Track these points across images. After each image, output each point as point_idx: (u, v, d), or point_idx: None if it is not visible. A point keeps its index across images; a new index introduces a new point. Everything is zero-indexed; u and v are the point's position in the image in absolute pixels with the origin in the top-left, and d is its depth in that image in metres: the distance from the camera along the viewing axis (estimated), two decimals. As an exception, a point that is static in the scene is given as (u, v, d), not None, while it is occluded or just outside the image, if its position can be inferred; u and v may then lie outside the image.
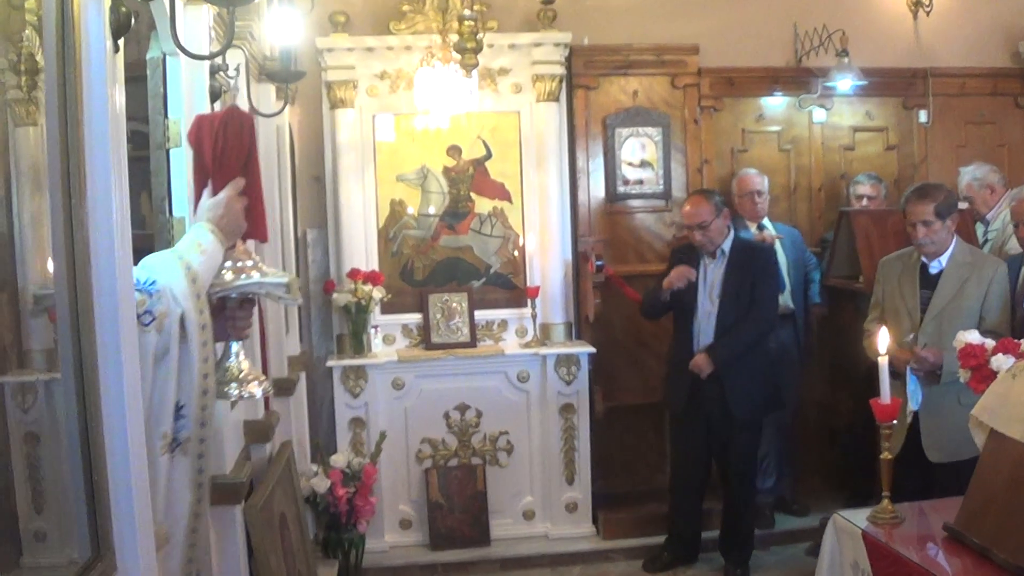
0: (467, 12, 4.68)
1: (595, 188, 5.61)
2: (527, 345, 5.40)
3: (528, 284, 5.45)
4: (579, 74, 5.57)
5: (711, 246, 4.75)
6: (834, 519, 3.13)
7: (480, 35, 4.60)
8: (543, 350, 5.32)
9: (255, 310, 2.58)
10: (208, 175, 2.24)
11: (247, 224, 2.24)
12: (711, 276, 4.77)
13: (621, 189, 5.59)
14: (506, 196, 5.53)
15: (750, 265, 4.76)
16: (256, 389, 2.28)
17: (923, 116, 5.99)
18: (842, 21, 5.76)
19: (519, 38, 5.40)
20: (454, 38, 4.67)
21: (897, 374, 3.86)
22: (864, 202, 5.52)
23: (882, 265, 4.48)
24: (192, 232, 2.17)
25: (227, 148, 2.22)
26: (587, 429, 5.36)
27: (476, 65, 4.70)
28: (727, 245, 4.78)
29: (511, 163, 5.52)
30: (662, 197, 5.62)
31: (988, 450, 2.86)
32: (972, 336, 3.34)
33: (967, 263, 4.11)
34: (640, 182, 5.59)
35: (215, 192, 2.22)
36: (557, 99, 5.45)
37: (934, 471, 4.01)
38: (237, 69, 3.52)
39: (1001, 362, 3.15)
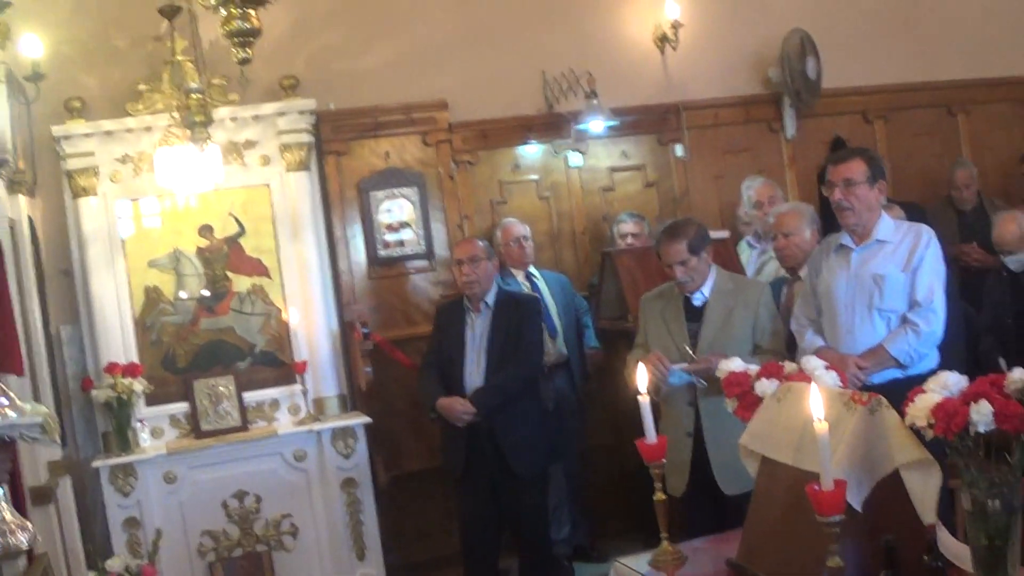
0: (193, 85, 5.65)
1: (356, 254, 6.77)
2: (301, 422, 6.39)
3: (295, 359, 6.47)
4: (328, 140, 6.72)
5: (479, 288, 5.57)
6: (615, 567, 3.54)
7: (212, 108, 5.61)
8: (316, 426, 6.31)
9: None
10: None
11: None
12: (478, 330, 5.60)
13: (383, 253, 6.79)
14: (264, 271, 6.56)
15: (515, 316, 5.61)
16: (22, 537, 2.61)
17: (679, 150, 7.46)
18: (589, 63, 7.09)
19: (262, 109, 6.41)
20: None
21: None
22: (629, 240, 6.82)
23: (643, 303, 5.19)
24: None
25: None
26: (372, 502, 6.37)
27: (207, 139, 5.73)
28: (491, 298, 5.63)
29: (266, 237, 6.54)
30: (425, 257, 6.83)
31: (761, 478, 3.28)
32: (735, 364, 3.73)
33: (729, 291, 4.88)
34: (401, 244, 6.81)
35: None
36: (308, 168, 6.51)
37: (727, 503, 4.66)
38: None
39: (765, 387, 3.48)
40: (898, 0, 8.33)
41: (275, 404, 6.55)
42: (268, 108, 6.45)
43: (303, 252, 6.54)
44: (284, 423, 6.50)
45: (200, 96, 5.66)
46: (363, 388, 6.44)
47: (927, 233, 4.61)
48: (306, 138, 6.53)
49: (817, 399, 2.65)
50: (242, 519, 6.31)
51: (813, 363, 3.54)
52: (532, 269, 6.76)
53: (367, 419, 6.40)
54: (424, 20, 7.05)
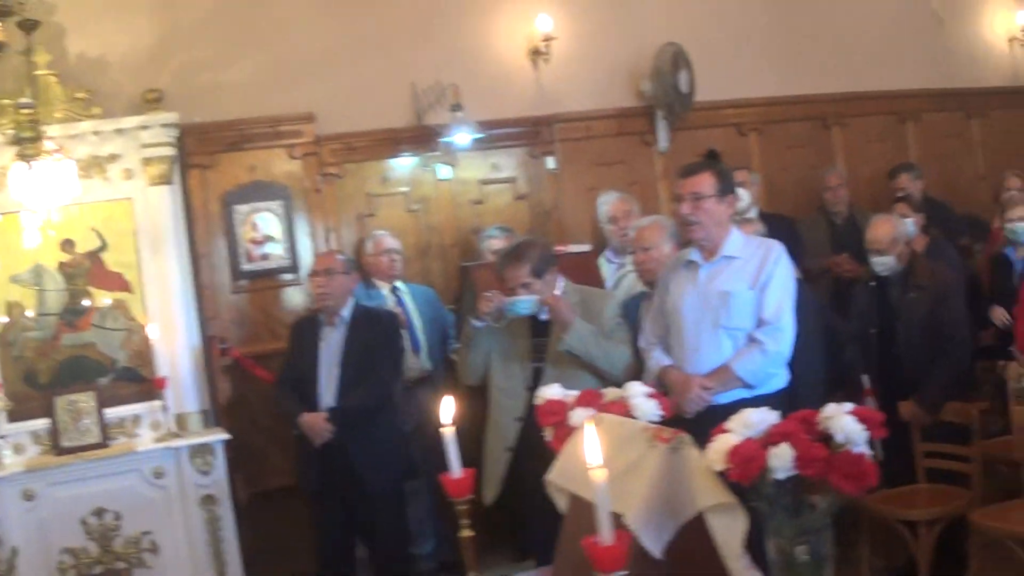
0: (24, 100, 5.92)
1: (220, 269, 7.26)
2: (161, 439, 6.80)
3: (157, 375, 6.88)
4: (193, 153, 7.19)
5: (332, 301, 5.98)
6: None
7: (40, 123, 5.79)
8: (175, 442, 6.73)
9: None
10: None
11: None
12: (332, 345, 5.99)
13: (246, 267, 7.30)
14: (125, 287, 6.95)
15: (371, 332, 6.00)
16: None
17: (551, 163, 8.12)
18: (461, 76, 7.67)
19: (123, 122, 6.81)
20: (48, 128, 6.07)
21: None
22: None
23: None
24: None
25: None
26: (231, 519, 6.81)
27: (37, 155, 5.97)
28: (347, 313, 6.03)
29: (127, 252, 6.93)
30: (290, 271, 7.38)
31: (569, 515, 3.37)
32: (553, 391, 3.81)
33: (576, 303, 5.25)
34: (266, 257, 7.36)
35: None
36: (170, 182, 6.93)
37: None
38: None
39: (580, 416, 3.48)
40: (772, 16, 9.14)
41: (137, 420, 6.93)
42: (129, 122, 6.84)
43: (164, 267, 6.94)
44: (146, 439, 6.88)
45: (30, 111, 5.94)
46: (221, 404, 6.93)
47: (776, 249, 4.73)
48: (168, 151, 6.93)
49: (593, 443, 2.44)
50: (102, 536, 6.70)
51: (634, 389, 3.66)
52: (398, 283, 7.28)
53: (225, 435, 6.83)
54: (293, 33, 7.57)
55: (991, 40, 10.36)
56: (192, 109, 7.16)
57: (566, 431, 3.61)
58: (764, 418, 2.80)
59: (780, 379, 4.73)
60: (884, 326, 6.12)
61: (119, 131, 6.86)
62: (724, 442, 2.76)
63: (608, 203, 7.22)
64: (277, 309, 7.40)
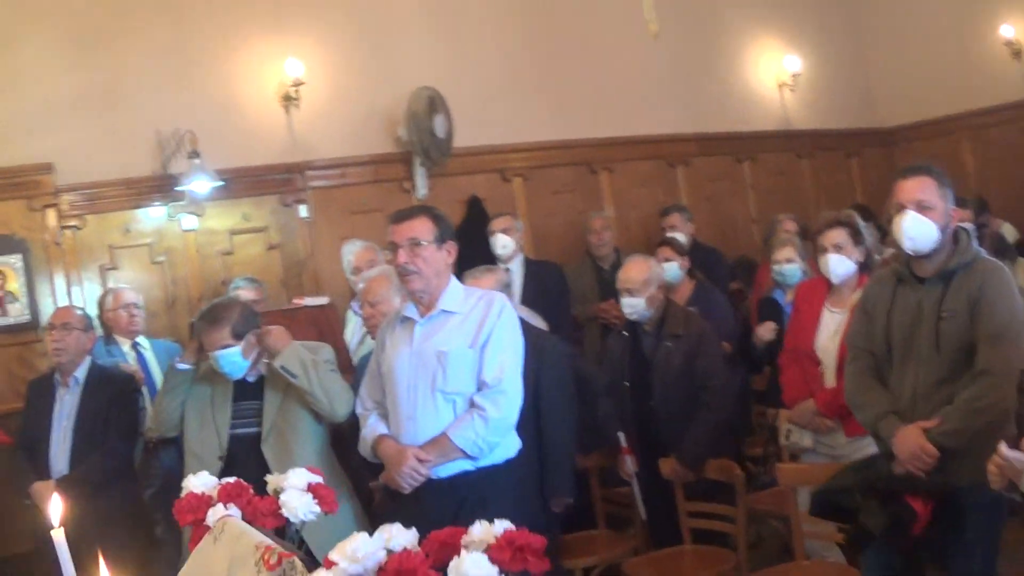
0: None
1: (-41, 325, 7.58)
2: None
3: None
4: (-78, 208, 7.51)
5: (66, 358, 6.02)
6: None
7: None
8: None
9: None
10: None
11: None
12: (66, 407, 5.99)
13: (-15, 323, 7.67)
14: None
15: (106, 394, 6.01)
16: None
17: (303, 211, 8.58)
18: (208, 123, 8.04)
19: None
20: None
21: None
22: None
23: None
24: None
25: None
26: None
27: None
28: (81, 373, 6.04)
29: None
30: (31, 328, 7.62)
31: None
32: (198, 481, 3.57)
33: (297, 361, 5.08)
34: (6, 313, 7.66)
35: None
36: None
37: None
38: None
39: (216, 516, 3.29)
40: (536, 61, 9.78)
41: None
42: None
43: (-103, 325, 7.19)
44: None
45: None
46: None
47: (499, 302, 4.57)
48: None
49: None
50: None
51: (293, 479, 3.48)
52: (140, 339, 7.46)
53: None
54: (32, 81, 7.83)
55: (760, 86, 11.25)
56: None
57: (203, 532, 3.30)
58: (373, 552, 2.52)
59: (508, 447, 4.57)
60: (637, 378, 6.07)
61: None
62: (329, 576, 2.43)
63: (352, 252, 7.35)
64: (20, 368, 7.57)
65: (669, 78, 10.35)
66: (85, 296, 7.84)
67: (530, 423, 5.26)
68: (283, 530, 3.51)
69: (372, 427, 4.69)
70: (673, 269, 7.32)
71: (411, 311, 4.64)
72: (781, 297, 7.04)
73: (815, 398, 5.65)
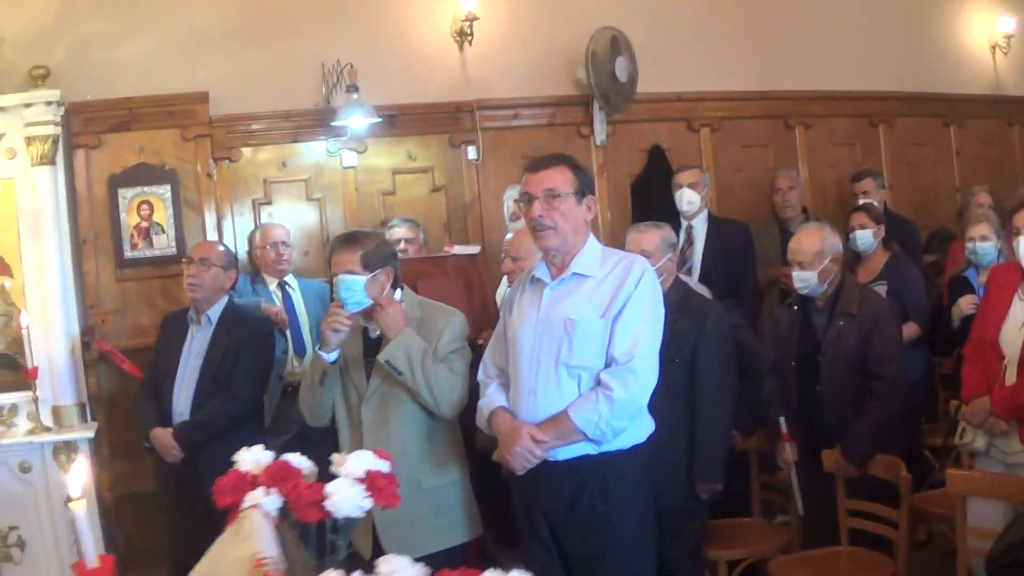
0: None
1: (103, 255, 7.24)
2: (31, 432, 6.82)
3: (31, 364, 6.84)
4: (79, 133, 7.20)
5: (201, 294, 5.84)
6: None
7: None
8: (40, 437, 6.75)
9: None
10: None
11: None
12: (195, 347, 5.85)
13: (130, 254, 7.26)
14: (6, 271, 6.98)
15: (237, 337, 5.80)
16: None
17: (472, 152, 8.06)
18: (375, 57, 7.65)
19: (7, 99, 6.84)
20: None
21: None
22: (402, 247, 7.17)
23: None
24: None
25: None
26: (96, 520, 6.75)
27: None
28: (216, 312, 5.89)
29: (9, 234, 6.94)
30: (177, 260, 7.26)
31: None
32: (251, 455, 3.35)
33: (414, 319, 4.66)
34: (151, 244, 7.36)
35: None
36: (53, 162, 6.94)
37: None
38: None
39: (258, 500, 3.06)
40: (732, 3, 9.07)
41: (14, 410, 6.94)
42: (13, 99, 6.86)
43: (43, 251, 6.95)
44: (21, 430, 6.91)
45: None
46: (83, 399, 6.93)
47: (639, 267, 4.07)
48: (51, 130, 6.93)
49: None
50: (-31, 527, 6.67)
51: (351, 464, 3.20)
52: (288, 278, 7.17)
53: (89, 434, 6.82)
54: (193, 7, 7.57)
55: (971, 45, 10.29)
56: (85, 87, 7.18)
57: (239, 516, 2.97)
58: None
59: (637, 432, 4.09)
60: (805, 358, 5.57)
61: (3, 109, 6.89)
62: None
63: (514, 199, 6.65)
64: (163, 300, 7.32)
65: (875, 30, 9.52)
66: (236, 231, 7.57)
67: (683, 400, 5.08)
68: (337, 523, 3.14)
69: (490, 397, 4.28)
70: (867, 238, 6.81)
71: (542, 272, 4.20)
72: (974, 277, 6.50)
73: (991, 396, 4.93)
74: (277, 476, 3.08)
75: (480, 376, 4.42)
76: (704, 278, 7.06)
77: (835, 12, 9.41)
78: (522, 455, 4.00)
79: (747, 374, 5.57)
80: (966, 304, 6.22)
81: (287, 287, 7.15)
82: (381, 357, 4.49)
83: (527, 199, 4.09)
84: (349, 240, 4.58)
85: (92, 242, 7.29)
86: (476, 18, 7.92)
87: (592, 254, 4.13)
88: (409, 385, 4.45)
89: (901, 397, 5.34)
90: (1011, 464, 4.82)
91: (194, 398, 5.81)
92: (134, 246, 7.35)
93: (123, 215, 7.33)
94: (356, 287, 4.47)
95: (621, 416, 3.95)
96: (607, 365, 3.98)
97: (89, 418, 7.08)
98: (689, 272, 7.16)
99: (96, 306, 7.25)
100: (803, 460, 5.50)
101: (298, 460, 3.26)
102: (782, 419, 5.51)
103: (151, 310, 7.34)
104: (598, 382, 3.97)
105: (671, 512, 4.87)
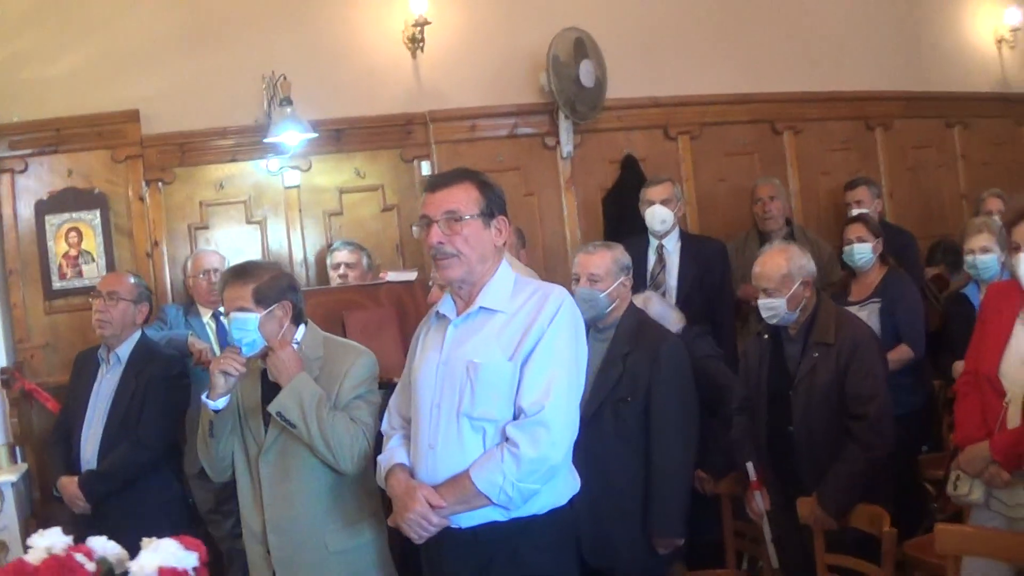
0: None
1: (31, 286, 6.85)
2: None
3: None
4: (4, 157, 6.82)
5: (109, 331, 5.42)
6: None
7: None
8: None
9: None
10: None
11: None
12: (104, 388, 5.41)
13: (59, 284, 6.87)
14: None
15: (147, 377, 5.36)
16: None
17: (426, 168, 7.54)
18: (319, 68, 7.24)
19: None
20: None
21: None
22: (342, 272, 6.75)
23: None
24: None
25: None
26: None
27: None
28: (125, 350, 5.47)
29: None
30: None
31: None
32: (39, 541, 2.87)
33: (316, 359, 4.27)
34: (80, 274, 6.94)
35: None
36: None
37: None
38: None
39: None
40: (713, 2, 8.56)
41: (-60, 449, 6.61)
42: None
43: (-31, 282, 6.65)
44: (-51, 470, 6.57)
45: None
46: (10, 440, 6.56)
47: (555, 300, 3.53)
48: None
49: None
50: None
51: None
52: (222, 308, 6.79)
53: (13, 477, 6.43)
54: (125, 21, 7.15)
55: (975, 40, 9.72)
56: (12, 108, 6.86)
57: None
58: None
59: (554, 494, 3.54)
60: (776, 394, 4.96)
61: (-74, 133, 6.57)
62: None
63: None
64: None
65: (870, 24, 9.01)
66: (170, 258, 7.16)
67: (638, 445, 4.72)
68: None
69: (390, 452, 3.73)
70: (865, 252, 6.39)
71: (447, 307, 3.67)
72: (975, 294, 5.95)
73: (990, 440, 4.20)
74: (55, 572, 2.63)
75: (384, 427, 3.89)
76: (683, 303, 6.45)
77: (826, 6, 8.90)
78: (416, 522, 3.45)
79: (718, 410, 5.16)
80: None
81: (221, 317, 6.66)
82: (271, 408, 3.97)
83: (425, 223, 3.54)
84: (239, 273, 4.10)
85: (19, 272, 6.91)
86: (428, 22, 7.43)
87: (502, 285, 3.59)
88: (304, 439, 3.94)
89: (884, 439, 4.68)
90: (1015, 519, 4.14)
91: (101, 444, 5.34)
92: (63, 276, 6.97)
93: (51, 243, 6.94)
94: (249, 326, 3.98)
95: (530, 477, 3.38)
96: (515, 417, 3.44)
97: (19, 459, 6.71)
98: (664, 296, 6.58)
99: (25, 340, 6.87)
100: (777, 508, 4.94)
101: (101, 547, 2.83)
102: (750, 465, 4.96)
103: (83, 343, 6.79)
104: (504, 437, 3.42)
105: (628, 571, 4.58)
